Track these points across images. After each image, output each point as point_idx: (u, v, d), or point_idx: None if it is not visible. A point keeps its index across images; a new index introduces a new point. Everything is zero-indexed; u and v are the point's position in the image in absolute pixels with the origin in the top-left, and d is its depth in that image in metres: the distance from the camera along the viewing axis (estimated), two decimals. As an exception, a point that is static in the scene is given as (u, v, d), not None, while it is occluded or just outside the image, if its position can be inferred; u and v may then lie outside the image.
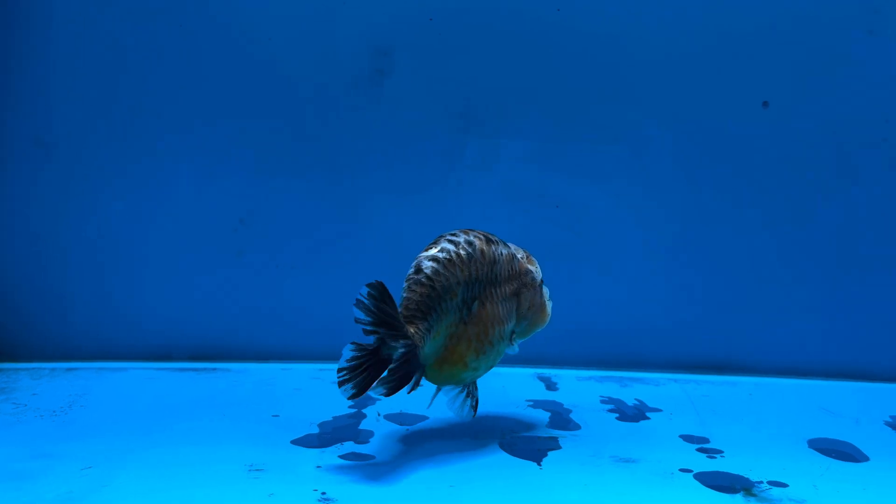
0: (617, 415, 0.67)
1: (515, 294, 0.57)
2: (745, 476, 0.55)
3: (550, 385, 0.75)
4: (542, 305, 0.60)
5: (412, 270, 0.53)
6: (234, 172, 0.78)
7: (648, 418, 0.66)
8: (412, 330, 0.50)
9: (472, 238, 0.55)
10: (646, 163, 0.79)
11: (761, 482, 0.54)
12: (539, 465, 0.55)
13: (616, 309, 0.81)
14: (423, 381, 0.54)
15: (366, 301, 0.48)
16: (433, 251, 0.53)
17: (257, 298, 0.79)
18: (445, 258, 0.53)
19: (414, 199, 0.79)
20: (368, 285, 0.48)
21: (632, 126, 0.79)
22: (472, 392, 0.58)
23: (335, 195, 0.79)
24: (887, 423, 0.67)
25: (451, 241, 0.54)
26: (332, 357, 0.50)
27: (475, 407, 0.58)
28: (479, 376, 0.57)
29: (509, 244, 0.59)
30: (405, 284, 0.53)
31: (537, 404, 0.69)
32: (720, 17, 0.78)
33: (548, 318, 0.61)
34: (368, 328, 0.48)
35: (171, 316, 0.79)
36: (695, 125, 0.79)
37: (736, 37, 0.78)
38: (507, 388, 0.74)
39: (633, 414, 0.67)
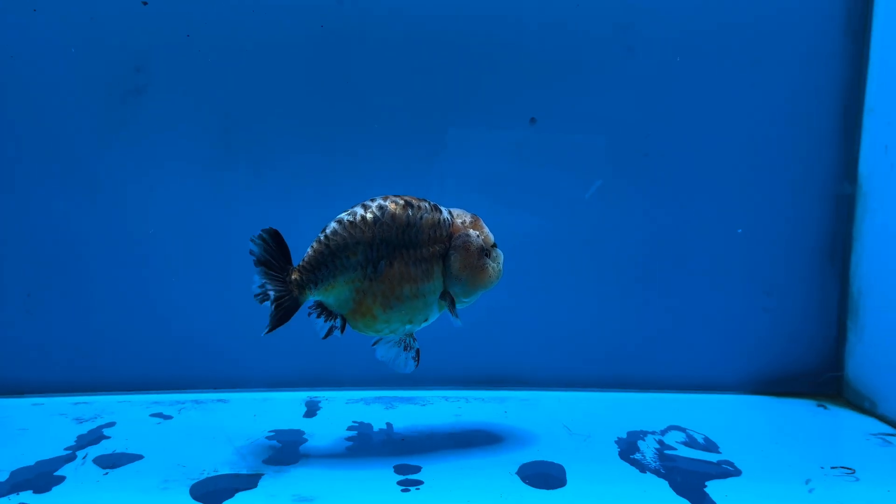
0: (350, 444, 0.66)
1: (440, 256, 0.60)
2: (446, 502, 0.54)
3: (311, 411, 0.74)
4: (481, 267, 0.61)
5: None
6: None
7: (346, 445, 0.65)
8: (294, 276, 0.58)
9: (385, 203, 0.59)
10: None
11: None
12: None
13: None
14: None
15: (257, 241, 0.57)
16: (343, 213, 0.58)
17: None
18: (348, 220, 0.58)
19: (178, 213, 0.77)
20: (263, 230, 0.58)
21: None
22: (409, 344, 0.62)
23: (93, 214, 0.76)
24: (618, 441, 0.67)
25: (363, 206, 0.59)
26: None
27: (416, 358, 0.62)
28: (401, 329, 0.61)
29: (453, 210, 0.62)
30: None
31: (278, 434, 0.67)
32: (494, 36, 0.77)
33: (490, 280, 0.62)
34: (256, 265, 0.58)
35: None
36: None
37: (502, 53, 0.77)
38: (259, 414, 0.72)
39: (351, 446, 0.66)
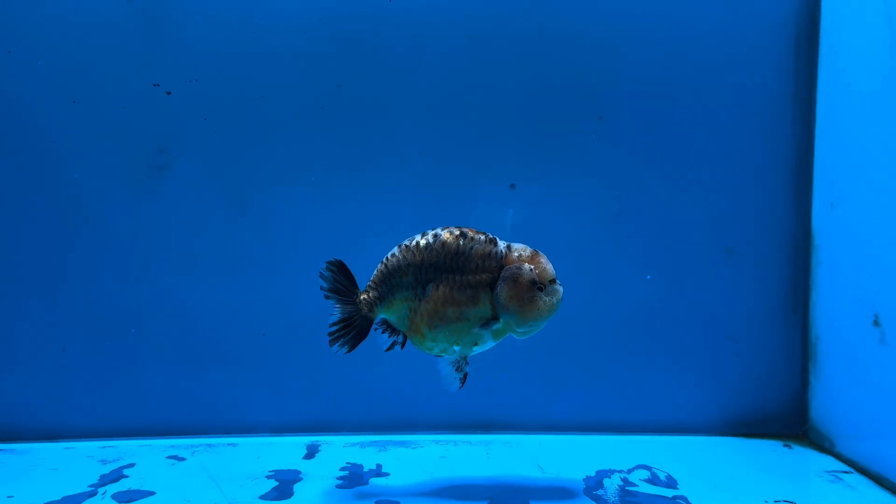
0: (340, 482, 0.73)
1: (487, 285, 0.65)
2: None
3: (311, 453, 0.81)
4: (529, 299, 0.64)
5: None
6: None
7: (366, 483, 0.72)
8: (363, 296, 0.66)
9: (441, 232, 0.66)
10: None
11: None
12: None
13: (383, 369, 0.87)
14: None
15: (325, 273, 0.66)
16: (406, 239, 0.66)
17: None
18: (405, 245, 0.66)
19: (204, 279, 0.86)
20: (328, 262, 0.66)
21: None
22: (461, 366, 0.68)
23: (121, 275, 0.86)
24: (585, 479, 0.73)
25: (423, 233, 0.66)
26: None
27: (463, 381, 0.68)
28: (450, 349, 0.66)
29: (514, 244, 0.66)
30: None
31: (277, 474, 0.75)
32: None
33: (540, 313, 0.64)
34: (325, 293, 0.66)
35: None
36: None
37: (483, 123, 0.87)
38: (262, 456, 0.80)
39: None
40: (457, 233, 0.65)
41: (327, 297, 0.66)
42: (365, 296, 0.66)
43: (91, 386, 0.86)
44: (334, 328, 0.66)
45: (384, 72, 0.86)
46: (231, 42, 0.85)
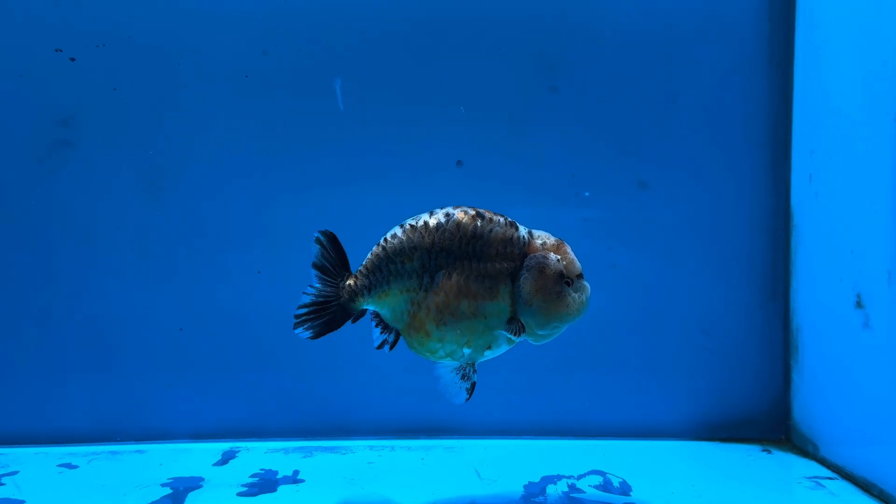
0: (244, 489, 0.64)
1: (509, 275, 0.54)
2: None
3: (225, 460, 0.72)
4: (557, 294, 0.54)
5: None
6: None
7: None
8: (349, 282, 0.56)
9: (454, 211, 0.55)
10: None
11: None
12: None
13: (317, 369, 0.78)
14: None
15: (314, 244, 0.56)
16: (410, 218, 0.56)
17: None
18: (410, 224, 0.55)
19: (113, 271, 0.77)
20: (320, 231, 0.56)
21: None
22: (467, 374, 0.57)
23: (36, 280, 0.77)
24: (527, 485, 0.64)
25: (430, 212, 0.56)
26: None
27: (470, 391, 0.57)
28: (459, 352, 0.55)
29: (534, 230, 0.56)
30: None
31: (174, 482, 0.66)
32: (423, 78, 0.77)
33: (569, 312, 0.55)
34: (313, 268, 0.56)
35: None
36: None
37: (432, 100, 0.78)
38: (167, 463, 0.70)
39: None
40: (472, 213, 0.55)
41: (313, 270, 0.57)
42: (351, 282, 0.56)
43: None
44: (303, 310, 0.56)
45: (316, 37, 0.78)
46: (143, 2, 0.77)
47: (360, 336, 0.77)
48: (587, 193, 0.76)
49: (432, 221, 0.55)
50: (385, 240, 0.56)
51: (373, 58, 0.78)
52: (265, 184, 0.78)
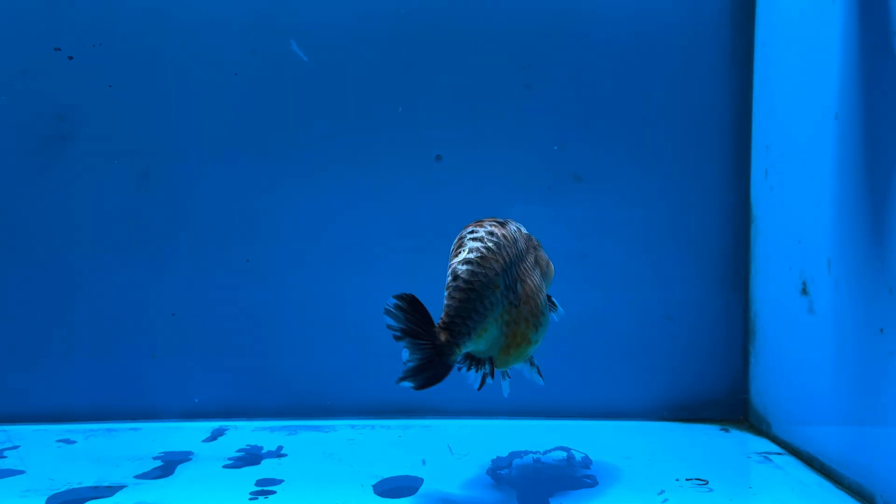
0: (230, 462, 0.68)
1: (535, 260, 0.60)
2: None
3: (213, 437, 0.76)
4: (547, 258, 0.62)
5: (449, 279, 0.54)
6: None
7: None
8: (444, 336, 0.52)
9: (490, 227, 0.57)
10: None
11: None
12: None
13: (303, 353, 0.83)
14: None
15: (392, 311, 0.51)
16: (463, 255, 0.55)
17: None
18: (477, 257, 0.54)
19: (108, 258, 0.81)
20: (396, 296, 0.51)
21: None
22: (533, 362, 0.62)
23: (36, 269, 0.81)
24: (495, 459, 0.68)
25: (473, 239, 0.55)
26: None
27: (540, 372, 0.62)
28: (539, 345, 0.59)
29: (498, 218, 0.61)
30: (446, 293, 0.54)
31: (165, 455, 0.70)
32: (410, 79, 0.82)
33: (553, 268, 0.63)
34: (397, 334, 0.52)
35: None
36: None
37: (409, 94, 0.82)
38: (159, 440, 0.75)
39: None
40: (496, 222, 0.58)
41: (398, 340, 0.52)
42: (445, 336, 0.52)
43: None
44: (409, 372, 0.52)
45: (302, 38, 0.82)
46: (138, 4, 0.81)
47: (343, 322, 0.82)
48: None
49: (490, 245, 0.55)
50: (465, 281, 0.53)
51: (355, 55, 0.82)
52: (252, 176, 0.82)
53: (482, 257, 0.54)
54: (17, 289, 0.81)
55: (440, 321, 0.53)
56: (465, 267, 0.54)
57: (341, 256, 0.82)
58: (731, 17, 0.82)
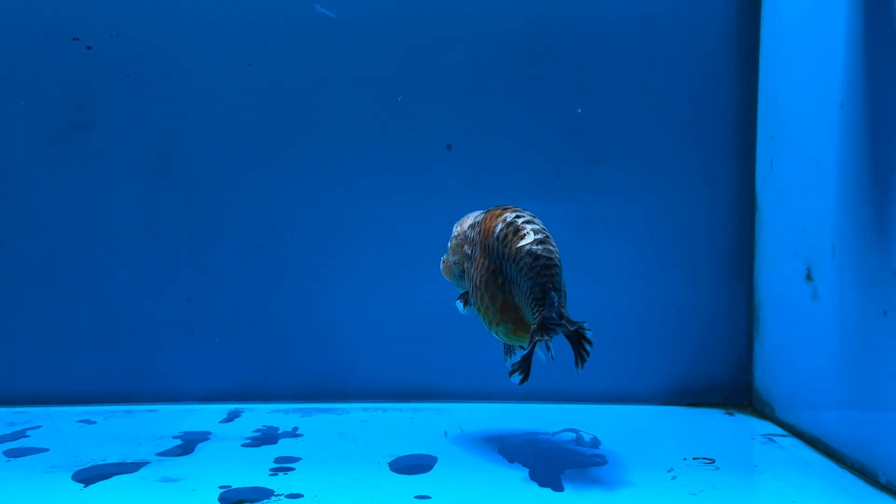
0: (248, 441, 0.70)
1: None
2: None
3: (230, 418, 0.78)
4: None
5: (541, 262, 0.56)
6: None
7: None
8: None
9: (517, 211, 0.61)
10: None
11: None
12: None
13: (316, 338, 0.84)
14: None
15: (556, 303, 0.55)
16: (528, 244, 0.57)
17: None
18: (540, 238, 0.58)
19: (126, 245, 0.83)
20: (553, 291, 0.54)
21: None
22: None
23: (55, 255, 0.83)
24: (501, 448, 0.70)
25: (519, 226, 0.59)
26: None
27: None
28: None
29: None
30: (532, 273, 0.56)
31: (185, 434, 0.72)
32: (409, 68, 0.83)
33: None
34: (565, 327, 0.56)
35: None
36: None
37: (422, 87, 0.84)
38: (178, 421, 0.77)
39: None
40: (498, 210, 0.63)
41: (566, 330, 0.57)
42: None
43: (8, 353, 0.83)
44: (517, 365, 0.58)
45: (316, 29, 0.83)
46: (154, -5, 0.83)
47: (356, 308, 0.84)
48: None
49: (537, 225, 0.59)
50: (554, 265, 0.56)
51: (367, 48, 0.83)
52: (268, 165, 0.84)
53: (546, 238, 0.58)
54: (37, 275, 0.83)
55: (556, 309, 0.56)
56: (544, 252, 0.56)
57: (356, 242, 0.84)
58: (736, 7, 0.83)
